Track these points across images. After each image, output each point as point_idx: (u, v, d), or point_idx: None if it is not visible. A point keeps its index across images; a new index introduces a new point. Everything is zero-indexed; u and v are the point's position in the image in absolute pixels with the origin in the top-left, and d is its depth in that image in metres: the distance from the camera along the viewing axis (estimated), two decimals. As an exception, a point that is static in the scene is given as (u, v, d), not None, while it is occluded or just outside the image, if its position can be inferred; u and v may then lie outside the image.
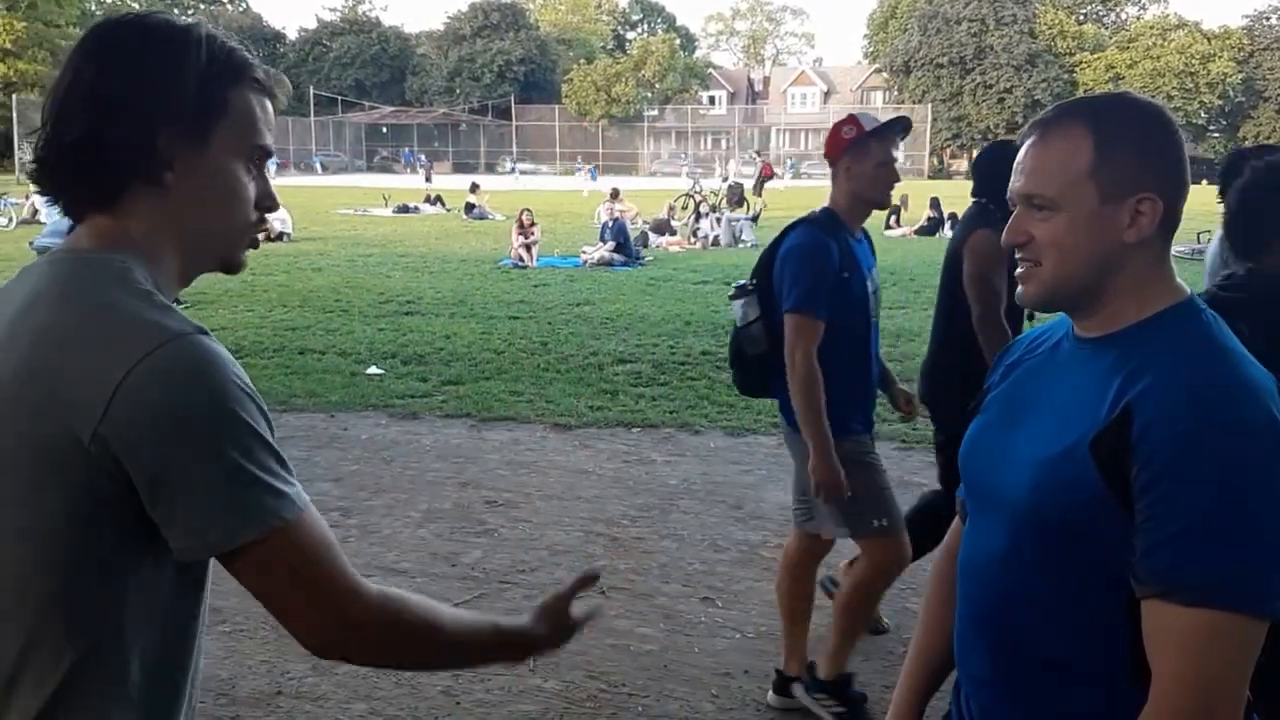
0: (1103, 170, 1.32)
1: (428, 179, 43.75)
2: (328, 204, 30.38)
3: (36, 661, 1.09)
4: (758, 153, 42.01)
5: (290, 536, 1.11)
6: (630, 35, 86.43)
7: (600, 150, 68.96)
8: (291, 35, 77.23)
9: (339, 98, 68.78)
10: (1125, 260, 1.34)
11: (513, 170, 58.86)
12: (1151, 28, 64.94)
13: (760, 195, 30.12)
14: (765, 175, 33.92)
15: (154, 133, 1.15)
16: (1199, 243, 18.10)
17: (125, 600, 1.11)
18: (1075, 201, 1.33)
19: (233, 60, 1.21)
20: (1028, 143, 1.39)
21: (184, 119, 1.16)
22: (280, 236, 19.09)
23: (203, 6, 75.74)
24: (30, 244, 15.32)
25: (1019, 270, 1.40)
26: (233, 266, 1.27)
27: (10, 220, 21.54)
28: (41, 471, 1.07)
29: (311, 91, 67.28)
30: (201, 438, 1.07)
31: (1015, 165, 1.40)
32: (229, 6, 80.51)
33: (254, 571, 1.11)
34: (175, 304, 1.19)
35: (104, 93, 1.14)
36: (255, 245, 1.29)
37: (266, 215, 1.28)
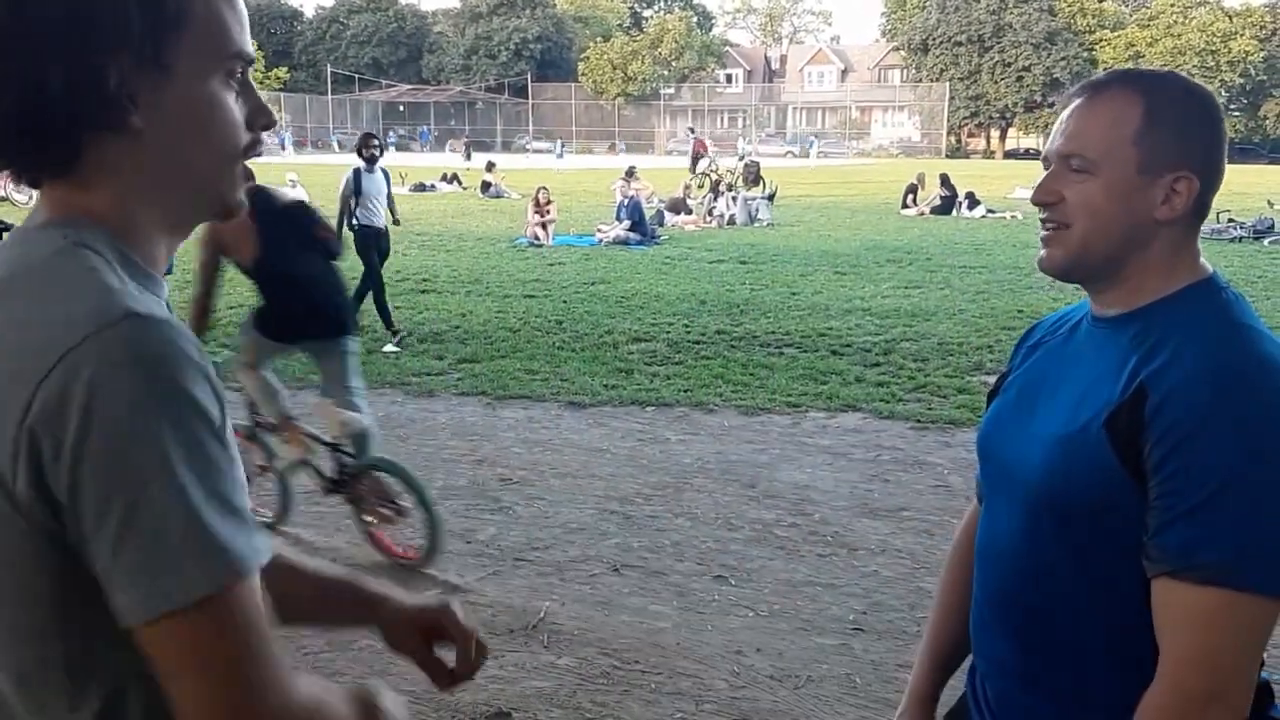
0: (1147, 140, 1.29)
1: (467, 157, 43.43)
2: (344, 182, 30.39)
3: None
4: (691, 129, 41.45)
5: (223, 608, 0.84)
6: (647, 13, 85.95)
7: (617, 129, 68.78)
8: (309, 13, 77.23)
9: (356, 76, 68.79)
10: (1153, 237, 1.32)
11: (528, 148, 58.77)
12: (1172, 5, 64.17)
13: (694, 173, 30.00)
14: (698, 152, 33.73)
15: (102, 67, 0.89)
16: (1219, 222, 17.97)
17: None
18: (1114, 166, 1.30)
19: None
20: (1075, 104, 1.35)
21: (134, 42, 0.90)
22: (296, 215, 19.07)
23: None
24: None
25: (1043, 233, 1.37)
26: (229, 209, 1.02)
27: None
28: None
29: (329, 69, 67.29)
30: (138, 459, 0.82)
31: (1057, 125, 1.37)
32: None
33: (166, 645, 0.85)
34: (164, 272, 1.00)
35: (30, 32, 0.88)
36: (249, 176, 1.06)
37: (263, 135, 1.03)
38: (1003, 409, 1.51)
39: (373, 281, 9.07)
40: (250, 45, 0.99)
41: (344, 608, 1.31)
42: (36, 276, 0.90)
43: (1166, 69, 1.40)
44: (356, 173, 8.93)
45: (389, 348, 8.57)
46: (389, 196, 9.31)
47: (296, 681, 0.90)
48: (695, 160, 32.70)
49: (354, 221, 9.03)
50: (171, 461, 0.83)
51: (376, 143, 9.15)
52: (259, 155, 1.04)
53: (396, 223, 10.03)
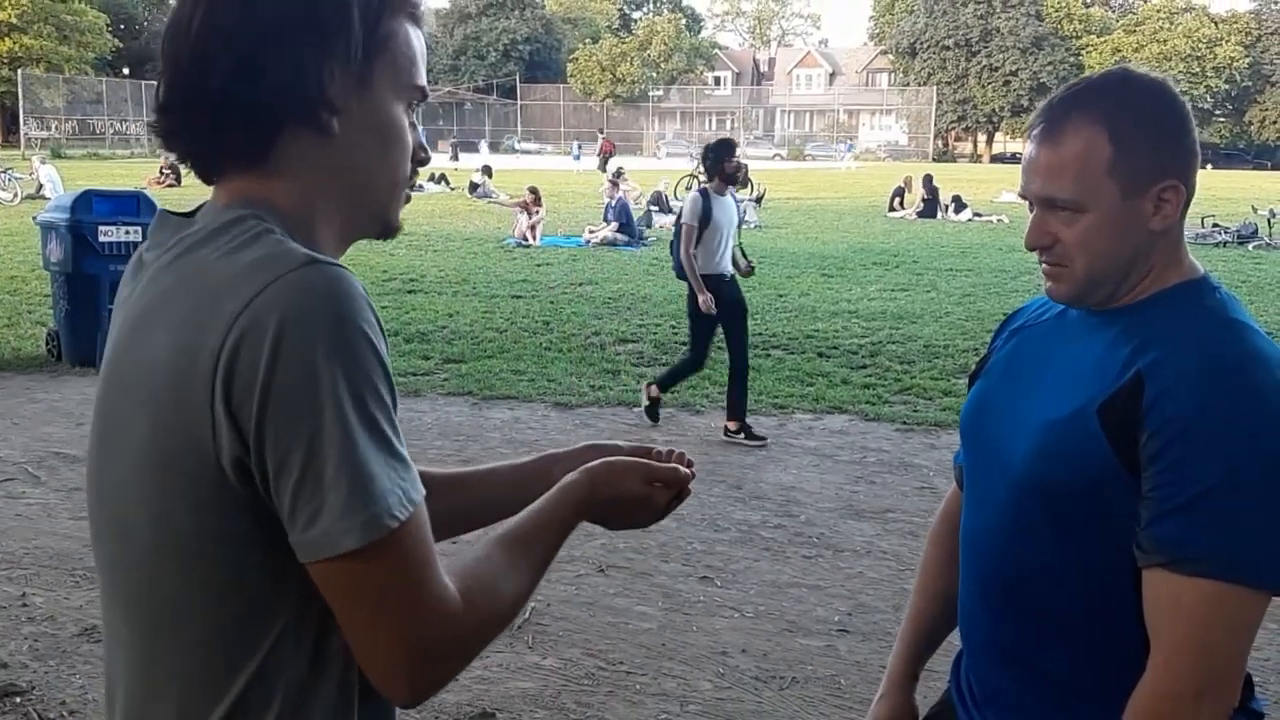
0: (1122, 166, 1.29)
1: (454, 157, 43.23)
2: (331, 182, 30.29)
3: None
4: (600, 131, 41.46)
5: (388, 549, 0.90)
6: (636, 15, 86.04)
7: (605, 130, 68.76)
8: (295, 12, 76.89)
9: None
10: (1152, 247, 1.33)
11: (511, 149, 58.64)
12: (1159, 11, 64.62)
13: (606, 170, 30.03)
14: (606, 152, 33.82)
15: (320, 70, 0.96)
16: (1203, 227, 18.07)
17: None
18: (1098, 201, 1.30)
19: None
20: (1037, 139, 1.34)
21: (350, 53, 0.97)
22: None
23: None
24: (34, 219, 15.34)
25: (1044, 269, 1.37)
26: (391, 228, 1.08)
27: (15, 195, 21.50)
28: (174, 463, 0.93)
29: (315, 69, 67.01)
30: (322, 397, 0.87)
31: (1025, 164, 1.36)
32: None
33: (338, 583, 0.91)
34: None
35: (258, 25, 0.95)
36: (408, 199, 1.11)
37: (419, 169, 1.10)
38: (987, 392, 1.51)
39: None
40: (426, 82, 1.07)
41: (518, 489, 1.29)
42: (213, 237, 0.96)
43: (1118, 69, 1.38)
44: None
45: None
46: None
47: (465, 588, 0.96)
48: (605, 160, 32.78)
49: None
50: (348, 402, 0.88)
51: None
52: (414, 186, 1.11)
53: None
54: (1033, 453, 1.34)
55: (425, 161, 1.09)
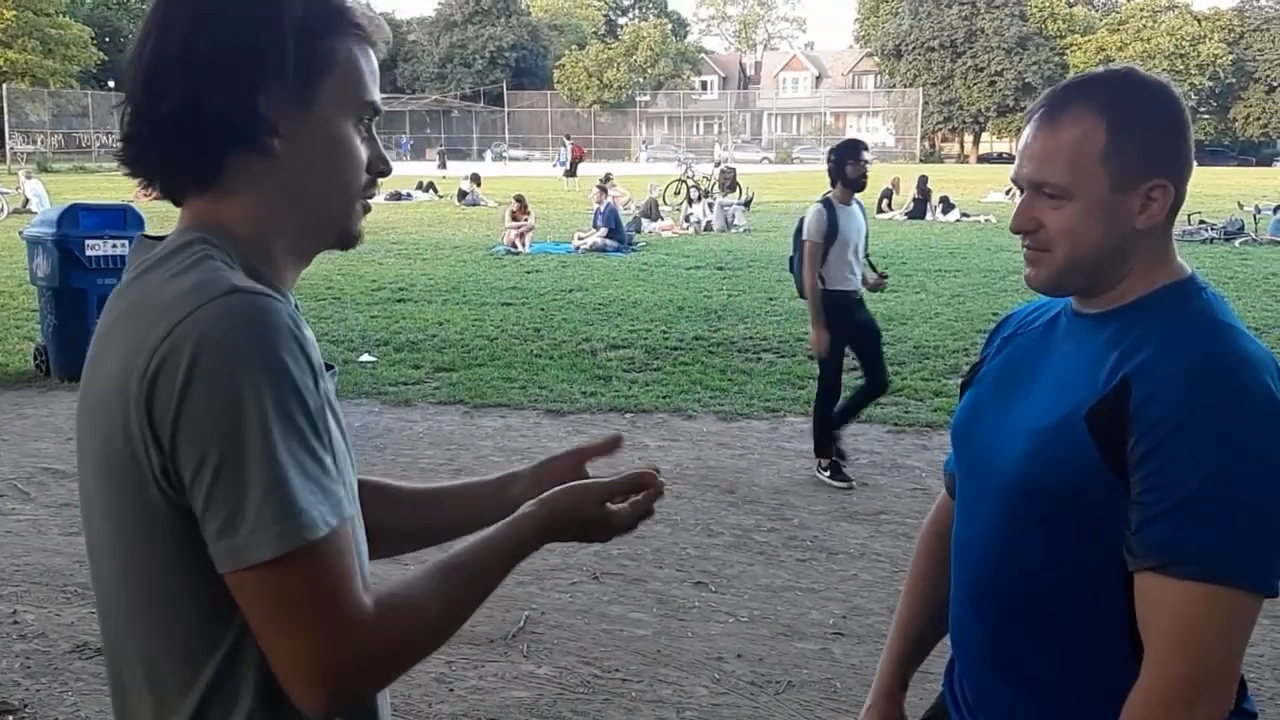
0: (1115, 158, 1.29)
1: (442, 165, 43.06)
2: (319, 192, 30.24)
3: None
4: (567, 137, 41.54)
5: (301, 562, 0.94)
6: (622, 21, 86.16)
7: (593, 136, 68.77)
8: (281, 22, 76.76)
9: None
10: (1135, 244, 1.33)
11: (498, 156, 58.53)
12: (1142, 10, 64.90)
13: (574, 176, 30.09)
14: (576, 157, 33.88)
15: (255, 95, 1.01)
16: (1190, 224, 18.15)
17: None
18: (1088, 188, 1.30)
19: (330, 10, 1.07)
20: (1033, 126, 1.35)
21: (286, 77, 1.03)
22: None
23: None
24: (20, 234, 15.29)
25: (1026, 254, 1.38)
26: (350, 238, 1.13)
27: (1, 210, 21.42)
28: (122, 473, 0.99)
29: (302, 79, 66.92)
30: (233, 416, 0.92)
31: (1021, 148, 1.37)
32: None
33: (250, 595, 0.95)
34: (279, 286, 1.07)
35: (197, 54, 1.01)
36: (367, 210, 1.16)
37: (379, 180, 1.14)
38: (978, 399, 1.51)
39: None
40: (379, 98, 1.12)
41: (486, 506, 1.34)
42: (163, 261, 1.02)
43: (1123, 67, 1.39)
44: None
45: (365, 357, 8.52)
46: None
47: (386, 608, 1.00)
48: (574, 165, 32.77)
49: None
50: (262, 421, 0.92)
51: None
52: (372, 197, 1.15)
53: None
54: (1023, 459, 1.34)
55: (385, 173, 1.14)
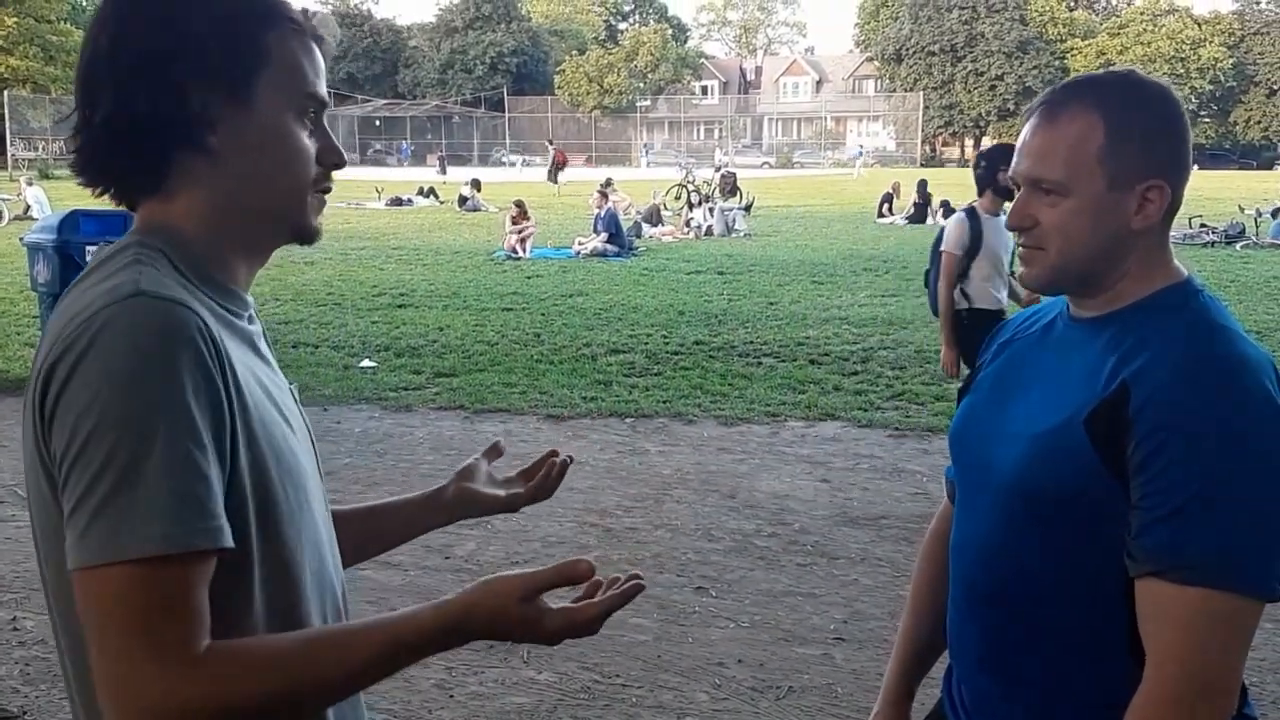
0: (1112, 156, 1.30)
1: (442, 171, 42.94)
2: (320, 197, 30.28)
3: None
4: (550, 142, 41.53)
5: (136, 580, 0.88)
6: (622, 26, 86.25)
7: (594, 141, 68.86)
8: (282, 28, 76.88)
9: (332, 91, 68.32)
10: (1130, 245, 1.33)
11: (510, 161, 58.56)
12: (1142, 13, 64.96)
13: (556, 182, 30.07)
14: (559, 162, 33.89)
15: (186, 93, 1.02)
16: (1191, 227, 18.13)
17: None
18: (1084, 186, 1.31)
19: (259, 4, 1.07)
20: (1033, 123, 1.36)
21: (218, 73, 1.03)
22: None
23: (192, 0, 75.29)
24: (21, 240, 15.32)
25: (1021, 251, 1.39)
26: (306, 232, 1.13)
27: (3, 217, 21.43)
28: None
29: (303, 85, 66.99)
30: (104, 416, 0.90)
31: (1019, 145, 1.38)
32: None
33: (81, 599, 0.91)
34: (231, 286, 1.09)
35: (126, 57, 1.01)
36: (323, 204, 1.15)
37: (333, 173, 1.14)
38: (976, 405, 1.51)
39: None
40: (324, 90, 1.11)
41: (405, 523, 1.42)
42: (100, 266, 1.02)
43: (1124, 69, 1.40)
44: None
45: (366, 363, 8.52)
46: None
47: (221, 659, 0.91)
48: (557, 169, 32.74)
49: None
50: (124, 425, 0.89)
51: None
52: (328, 190, 1.14)
53: None
54: (1021, 464, 1.34)
55: (338, 165, 1.13)
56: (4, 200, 22.31)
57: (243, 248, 1.10)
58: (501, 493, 1.43)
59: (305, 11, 1.10)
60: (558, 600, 1.07)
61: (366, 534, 1.37)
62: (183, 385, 0.92)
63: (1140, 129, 1.31)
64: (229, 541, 0.93)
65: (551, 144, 39.22)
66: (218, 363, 0.95)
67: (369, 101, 69.54)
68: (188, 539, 0.90)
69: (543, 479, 1.44)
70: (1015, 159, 1.38)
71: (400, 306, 11.37)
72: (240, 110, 1.04)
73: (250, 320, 1.12)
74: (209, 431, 0.93)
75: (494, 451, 1.48)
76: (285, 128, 1.07)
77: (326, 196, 1.15)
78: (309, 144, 1.10)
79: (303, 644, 0.99)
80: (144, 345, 0.92)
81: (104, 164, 1.05)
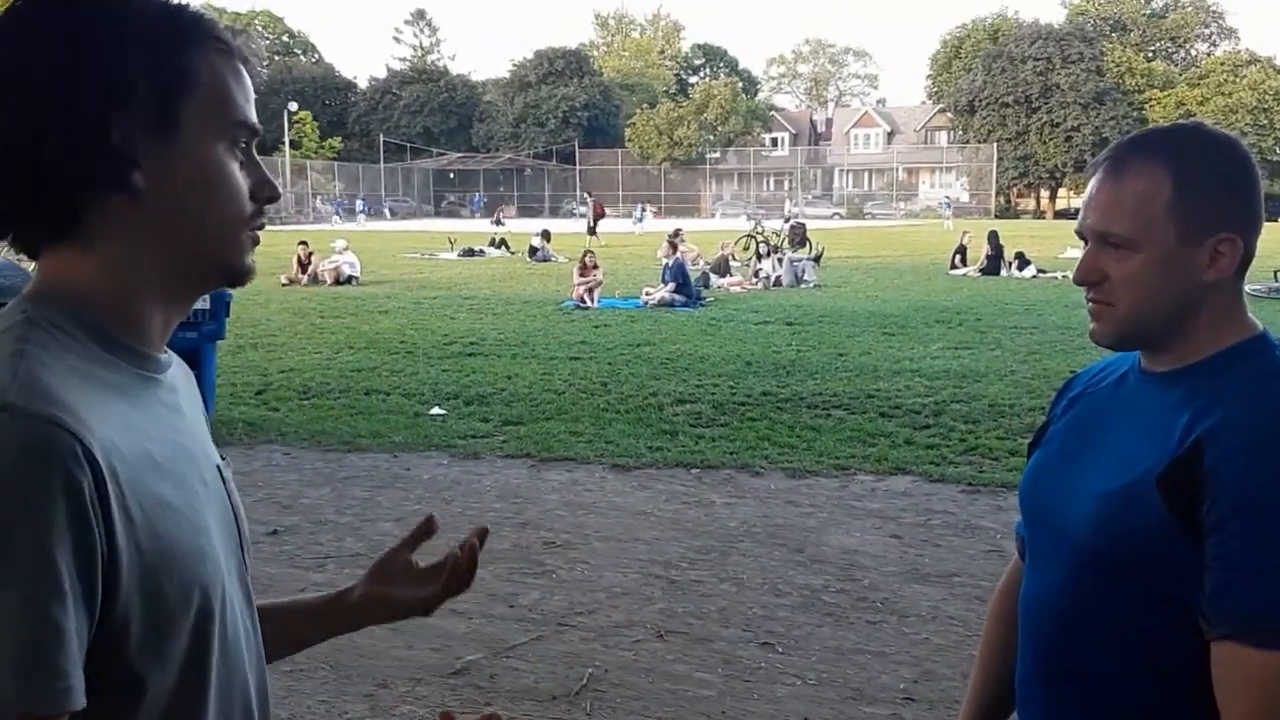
0: (1182, 210, 1.28)
1: (498, 222, 43.70)
2: (396, 248, 30.93)
3: None
4: (589, 193, 41.43)
5: None
6: (693, 80, 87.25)
7: (663, 192, 69.43)
8: (363, 84, 79.26)
9: (408, 145, 70.30)
10: (1202, 300, 1.30)
11: (580, 212, 59.34)
12: (1222, 64, 63.93)
13: (596, 235, 30.21)
14: (598, 214, 34.00)
15: (106, 125, 0.88)
16: (1276, 280, 17.62)
17: None
18: (1153, 241, 1.28)
19: (183, 19, 0.93)
20: (1099, 177, 1.34)
21: (139, 101, 0.89)
22: (349, 280, 19.48)
23: (277, 58, 78.04)
24: None
25: (1090, 307, 1.36)
26: (238, 274, 0.99)
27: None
28: None
29: (381, 139, 68.87)
30: None
31: (1085, 199, 1.36)
32: (302, 57, 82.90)
33: None
34: (141, 349, 0.95)
35: (28, 87, 0.87)
36: (256, 242, 1.02)
37: (267, 208, 1.01)
38: (1046, 460, 1.48)
39: None
40: (255, 117, 0.99)
41: (317, 622, 1.29)
42: None
43: (1190, 122, 1.38)
44: None
45: (435, 410, 8.60)
46: None
47: None
48: (597, 221, 33.02)
49: None
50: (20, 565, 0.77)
51: None
52: (261, 228, 1.01)
53: None
54: (1092, 522, 1.31)
55: (273, 199, 1.00)
56: None
57: (163, 299, 0.97)
58: (417, 593, 1.27)
59: (231, 29, 0.98)
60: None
61: (279, 634, 1.23)
62: (42, 525, 0.78)
63: (1209, 181, 1.29)
64: (80, 703, 0.81)
65: (590, 196, 39.72)
66: (93, 489, 0.81)
67: (444, 155, 71.12)
68: (30, 701, 0.78)
69: (454, 569, 1.27)
70: (1081, 213, 1.36)
71: (470, 355, 11.49)
72: (165, 143, 0.91)
73: (165, 368, 1.00)
74: (71, 576, 0.80)
75: (423, 533, 1.29)
76: (216, 160, 0.95)
77: (260, 234, 1.02)
78: (242, 177, 0.97)
79: None
80: (2, 477, 0.78)
81: (12, 207, 0.91)
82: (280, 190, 1.05)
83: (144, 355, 0.96)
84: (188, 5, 0.95)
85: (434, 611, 1.28)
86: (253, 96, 0.99)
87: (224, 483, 1.04)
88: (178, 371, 1.04)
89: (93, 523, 0.81)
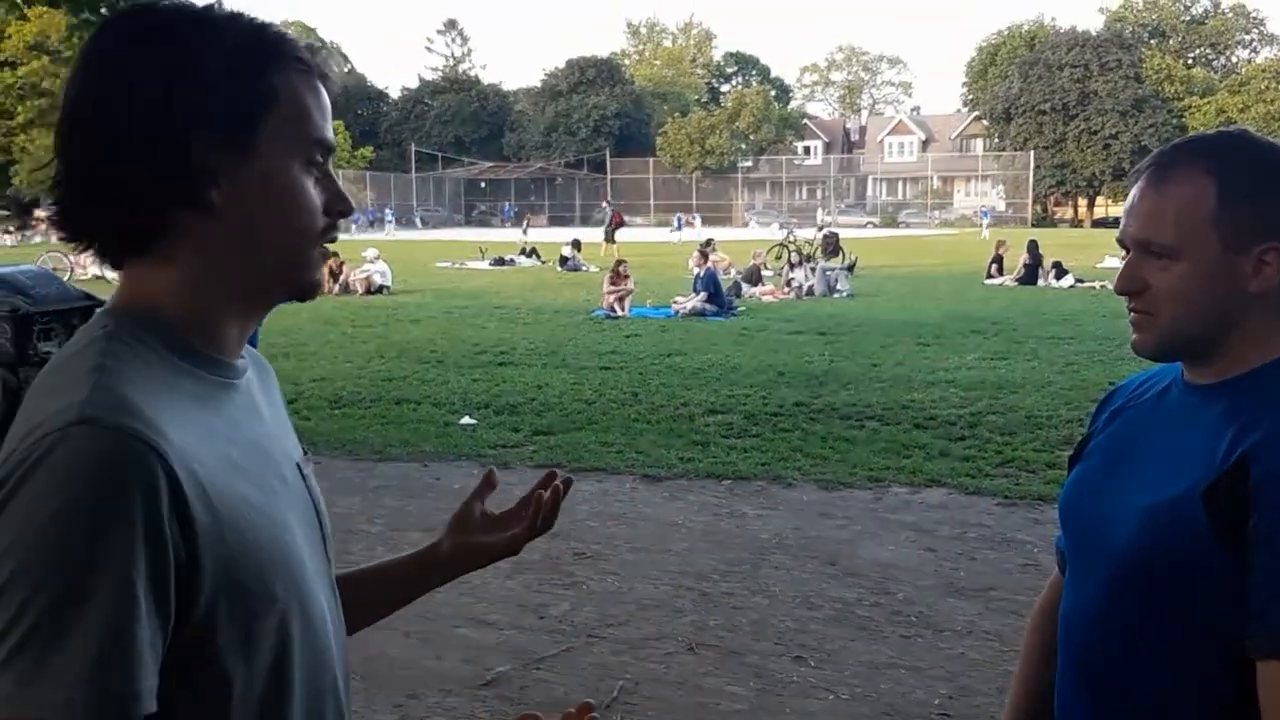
0: (1226, 218, 1.25)
1: (524, 232, 43.89)
2: (427, 257, 31.09)
3: None
4: (607, 201, 41.33)
5: None
6: (724, 88, 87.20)
7: (694, 201, 69.41)
8: (394, 94, 79.97)
9: (439, 154, 70.77)
10: (1246, 311, 1.27)
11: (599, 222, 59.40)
12: (1264, 70, 63.02)
13: (613, 243, 30.11)
14: (615, 223, 33.91)
15: (187, 144, 0.91)
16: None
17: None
18: (1197, 250, 1.26)
19: (266, 40, 0.97)
20: (1141, 185, 1.32)
21: (220, 121, 0.93)
22: (380, 289, 19.60)
23: (313, 69, 78.74)
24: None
25: (1131, 317, 1.34)
26: (307, 288, 1.02)
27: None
28: None
29: (413, 148, 69.35)
30: (21, 559, 0.80)
31: (1127, 207, 1.33)
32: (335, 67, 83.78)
33: None
34: (219, 357, 0.99)
35: (115, 106, 0.91)
36: (326, 256, 1.06)
37: (340, 222, 1.04)
38: (1086, 474, 1.46)
39: None
40: (331, 134, 1.01)
41: (405, 584, 1.34)
42: (56, 367, 0.93)
43: (1234, 129, 1.34)
44: None
45: (465, 420, 8.61)
46: None
47: None
48: (614, 230, 32.99)
49: None
50: (54, 582, 0.79)
51: None
52: (334, 240, 1.05)
53: None
54: (1134, 538, 1.28)
55: (346, 213, 1.03)
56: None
57: (240, 311, 1.01)
58: (501, 537, 1.32)
59: (311, 48, 1.01)
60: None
61: (364, 601, 1.26)
62: (119, 535, 0.81)
63: (1254, 190, 1.26)
64: (149, 707, 0.82)
65: (609, 204, 39.81)
66: (170, 497, 0.84)
67: (475, 164, 71.52)
68: (101, 708, 0.80)
69: (538, 509, 1.32)
70: (1123, 221, 1.34)
71: (500, 364, 11.51)
72: (243, 160, 0.94)
73: (241, 374, 1.03)
74: (146, 585, 0.82)
75: (486, 486, 1.35)
76: (293, 178, 0.97)
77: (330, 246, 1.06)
78: (316, 193, 1.00)
79: None
80: (79, 489, 0.81)
81: (91, 222, 0.95)
82: (354, 204, 1.07)
83: (221, 363, 1.00)
84: (270, 25, 0.98)
85: (520, 550, 1.33)
86: (330, 113, 1.02)
87: (304, 479, 1.08)
88: (254, 374, 1.08)
89: (168, 532, 0.83)
